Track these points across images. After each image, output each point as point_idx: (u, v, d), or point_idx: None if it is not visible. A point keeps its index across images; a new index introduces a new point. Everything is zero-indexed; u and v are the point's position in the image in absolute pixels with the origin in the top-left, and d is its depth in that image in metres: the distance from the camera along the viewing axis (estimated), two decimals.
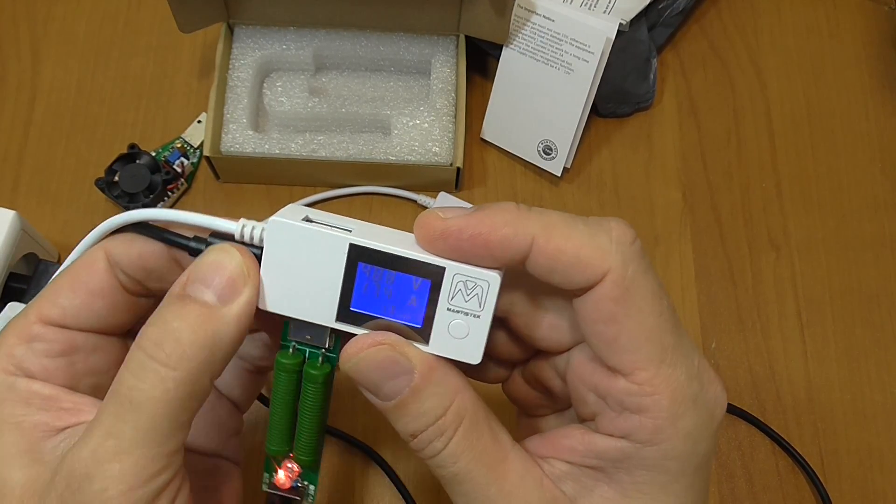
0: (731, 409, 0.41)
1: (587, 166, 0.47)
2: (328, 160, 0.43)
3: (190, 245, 0.24)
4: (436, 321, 0.23)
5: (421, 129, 0.44)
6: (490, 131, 0.47)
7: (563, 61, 0.43)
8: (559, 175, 0.45)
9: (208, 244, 0.24)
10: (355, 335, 0.23)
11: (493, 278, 0.22)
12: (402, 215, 0.45)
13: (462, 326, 0.23)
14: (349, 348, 0.23)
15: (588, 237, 0.21)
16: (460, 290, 0.23)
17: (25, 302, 0.36)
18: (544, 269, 0.22)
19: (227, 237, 0.24)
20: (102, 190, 0.43)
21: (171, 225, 0.25)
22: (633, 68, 0.46)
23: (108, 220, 0.25)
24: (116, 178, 0.43)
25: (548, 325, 0.24)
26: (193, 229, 0.25)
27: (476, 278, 0.22)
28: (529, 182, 0.46)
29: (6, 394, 0.23)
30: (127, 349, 0.23)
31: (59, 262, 0.42)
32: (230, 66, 0.45)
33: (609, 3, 0.45)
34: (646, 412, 0.21)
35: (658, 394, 0.21)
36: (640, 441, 0.21)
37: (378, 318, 0.23)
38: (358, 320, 0.23)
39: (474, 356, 0.23)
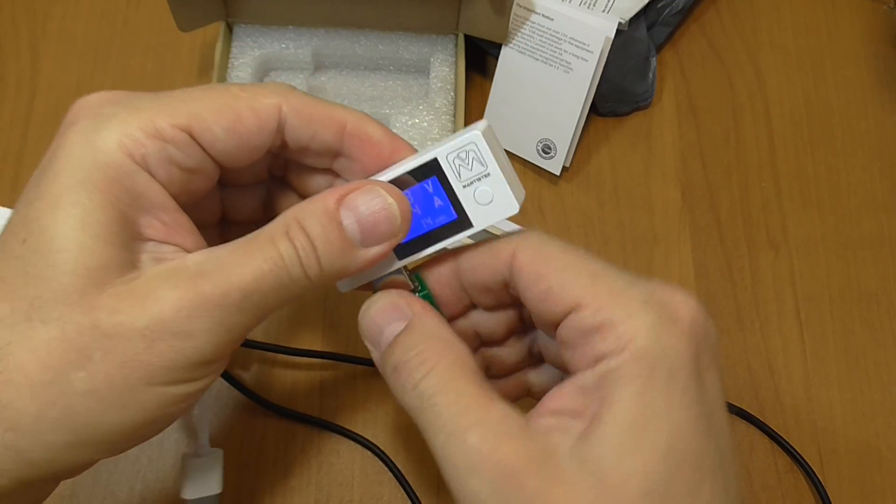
0: (730, 408, 0.41)
1: (586, 165, 0.47)
2: None
3: None
4: (464, 203, 0.25)
5: (420, 128, 0.44)
6: None
7: (563, 60, 0.43)
8: (558, 174, 0.45)
9: None
10: (425, 261, 0.26)
11: (476, 136, 0.24)
12: None
13: (485, 192, 0.24)
14: (365, 305, 0.26)
15: (493, 244, 0.25)
16: (461, 164, 0.24)
17: None
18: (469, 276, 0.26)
19: None
20: None
21: None
22: (632, 67, 0.46)
23: None
24: None
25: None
26: None
27: (464, 147, 0.24)
28: (528, 181, 0.46)
29: (123, 178, 0.22)
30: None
31: None
32: (229, 66, 0.45)
33: (608, 2, 0.45)
34: (601, 327, 0.22)
35: (604, 306, 0.22)
36: (608, 353, 0.21)
37: (424, 234, 0.25)
38: (415, 248, 0.26)
39: (512, 206, 0.24)
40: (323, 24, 0.46)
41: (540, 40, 0.43)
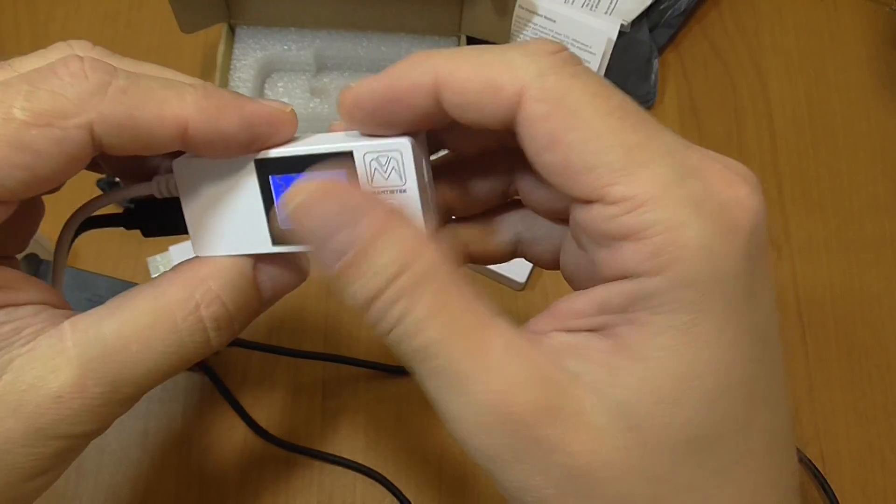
0: None
1: None
2: None
3: (122, 219, 0.26)
4: None
5: None
6: None
7: None
8: None
9: (134, 209, 0.25)
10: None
11: (403, 145, 0.20)
12: None
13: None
14: (289, 193, 0.18)
15: (498, 58, 0.18)
16: (377, 168, 0.20)
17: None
18: (457, 106, 0.18)
19: (150, 199, 0.24)
20: (104, 190, 0.43)
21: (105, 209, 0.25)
22: (634, 69, 0.46)
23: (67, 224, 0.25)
24: (118, 179, 0.43)
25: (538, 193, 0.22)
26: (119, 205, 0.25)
27: (386, 151, 0.20)
28: None
29: None
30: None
31: None
32: (232, 67, 0.45)
33: (610, 3, 0.45)
34: (636, 233, 0.16)
35: (641, 206, 0.16)
36: (641, 273, 0.16)
37: None
38: (295, 238, 0.21)
39: None
40: (325, 26, 0.46)
41: None
